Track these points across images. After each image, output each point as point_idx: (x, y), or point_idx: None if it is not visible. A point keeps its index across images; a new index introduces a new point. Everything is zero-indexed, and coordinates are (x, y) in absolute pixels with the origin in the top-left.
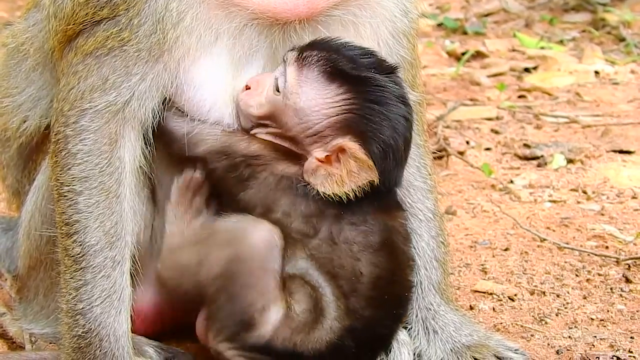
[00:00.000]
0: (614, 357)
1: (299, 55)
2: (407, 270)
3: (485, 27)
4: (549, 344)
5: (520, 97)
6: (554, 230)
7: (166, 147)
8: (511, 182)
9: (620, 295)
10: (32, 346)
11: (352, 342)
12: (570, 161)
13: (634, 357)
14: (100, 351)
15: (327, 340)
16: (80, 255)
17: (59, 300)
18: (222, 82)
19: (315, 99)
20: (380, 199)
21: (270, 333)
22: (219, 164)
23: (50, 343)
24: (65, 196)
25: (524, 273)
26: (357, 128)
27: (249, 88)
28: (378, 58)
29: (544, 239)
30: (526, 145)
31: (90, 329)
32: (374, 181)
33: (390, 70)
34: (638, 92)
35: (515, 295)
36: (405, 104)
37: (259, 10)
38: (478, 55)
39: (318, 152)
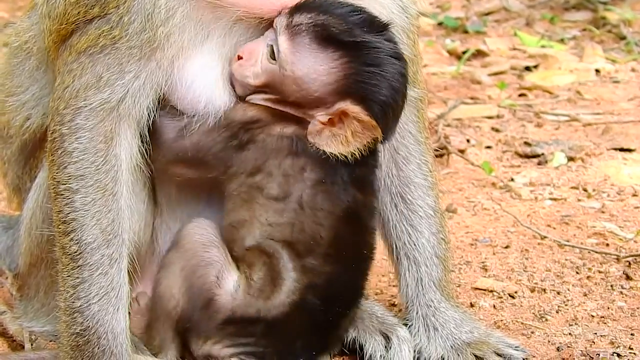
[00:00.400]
0: (615, 354)
1: (289, 21)
2: (367, 235)
3: (486, 25)
4: (549, 341)
5: (520, 95)
6: (554, 228)
7: (158, 145)
8: (512, 180)
9: (621, 293)
10: (31, 345)
11: (317, 299)
12: (570, 159)
13: (634, 354)
14: (98, 349)
15: (289, 301)
16: (77, 253)
17: (57, 298)
18: (214, 79)
19: (313, 67)
20: (359, 175)
21: (231, 302)
22: (214, 142)
23: (50, 341)
24: (61, 194)
25: (524, 270)
26: (357, 91)
27: (241, 58)
28: (369, 15)
29: (545, 237)
30: (527, 144)
31: (88, 326)
32: (377, 138)
33: (382, 28)
34: (639, 90)
35: (516, 292)
36: (400, 59)
37: (245, 10)
38: (479, 54)
39: (321, 116)
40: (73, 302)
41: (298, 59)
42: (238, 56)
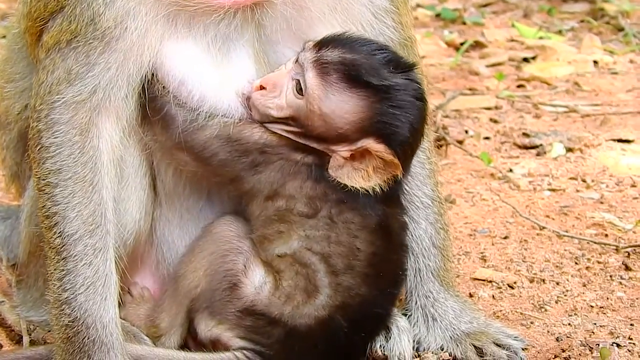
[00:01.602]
0: (614, 344)
1: (317, 56)
2: (401, 252)
3: (484, 17)
4: (548, 331)
5: (519, 86)
6: (553, 219)
7: (164, 135)
8: (510, 170)
9: (620, 283)
10: (29, 335)
11: (344, 321)
12: (569, 150)
13: (633, 344)
14: (88, 339)
15: (316, 315)
16: (61, 245)
17: (47, 292)
18: (205, 73)
19: (340, 105)
20: (384, 194)
21: (254, 294)
22: (224, 150)
23: (49, 331)
24: (43, 190)
25: (523, 261)
26: (381, 130)
27: (264, 88)
28: (394, 55)
29: (544, 227)
30: (525, 135)
31: (77, 317)
32: (398, 174)
33: (407, 68)
34: (637, 81)
35: (515, 283)
36: (422, 100)
37: (204, 3)
38: (477, 45)
39: (343, 152)
40: (60, 294)
41: (326, 96)
42: (260, 86)
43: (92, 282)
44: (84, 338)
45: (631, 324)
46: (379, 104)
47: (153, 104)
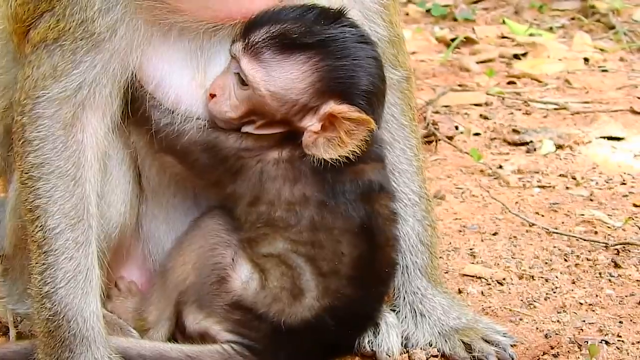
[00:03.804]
0: (603, 342)
1: (245, 44)
2: (388, 249)
3: (475, 13)
4: (537, 328)
5: (509, 83)
6: (542, 216)
7: (146, 137)
8: (500, 167)
9: (609, 280)
10: (16, 328)
11: (332, 320)
12: (559, 147)
13: (622, 341)
14: (69, 333)
15: (303, 316)
16: (42, 239)
17: (29, 286)
18: (185, 76)
19: (285, 78)
20: (365, 187)
21: (241, 289)
22: (203, 156)
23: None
24: (25, 183)
25: (512, 257)
26: (337, 88)
27: (214, 95)
28: (322, 9)
29: (533, 224)
30: (515, 131)
31: (57, 311)
32: (372, 129)
33: (338, 16)
34: (627, 79)
35: (504, 279)
36: (367, 43)
37: (192, 16)
38: (467, 41)
39: (312, 125)
40: (41, 288)
41: (267, 75)
42: (210, 94)
43: (73, 276)
44: (64, 332)
45: (620, 322)
46: (323, 62)
47: (134, 105)
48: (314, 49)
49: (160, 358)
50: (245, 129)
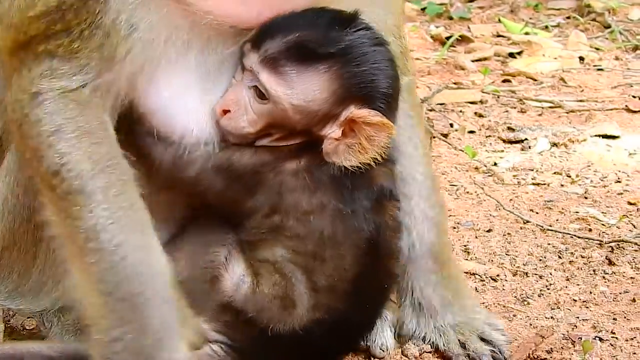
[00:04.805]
0: (596, 338)
1: (261, 55)
2: (390, 263)
3: (470, 12)
4: (531, 324)
5: (504, 81)
6: (537, 213)
7: (150, 170)
8: (495, 164)
9: (603, 277)
10: (8, 322)
11: (323, 332)
12: (554, 145)
13: (616, 338)
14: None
15: (292, 326)
16: (77, 188)
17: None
18: (194, 99)
19: (307, 90)
20: (379, 193)
21: (232, 290)
22: (217, 180)
23: (28, 317)
24: (40, 158)
25: (506, 254)
26: (357, 93)
27: (228, 111)
28: (335, 12)
29: (527, 221)
30: (510, 129)
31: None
32: (392, 133)
33: (353, 18)
34: (622, 78)
35: (498, 275)
36: (382, 44)
37: (222, 19)
38: (463, 39)
39: (332, 132)
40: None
41: (290, 88)
42: (223, 111)
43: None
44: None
45: (614, 318)
46: (343, 69)
47: (133, 137)
48: (334, 58)
49: None
50: (261, 142)
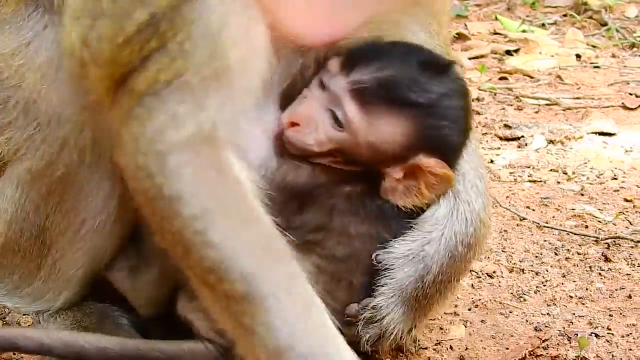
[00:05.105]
0: (592, 334)
1: (350, 83)
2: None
3: (467, 10)
4: (527, 321)
5: (501, 79)
6: (533, 210)
7: None
8: (491, 161)
9: (599, 274)
10: (3, 319)
11: None
12: (550, 142)
13: (612, 334)
14: None
15: None
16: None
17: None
18: (254, 120)
19: (386, 131)
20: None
21: None
22: (268, 198)
23: (24, 314)
24: (193, 241)
25: (503, 251)
26: (430, 143)
27: (296, 124)
28: (427, 55)
29: (524, 218)
30: (507, 126)
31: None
32: (452, 185)
33: (445, 69)
34: (619, 75)
35: (494, 272)
36: (463, 96)
37: (291, 38)
38: (460, 37)
39: (394, 172)
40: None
41: (370, 125)
42: (292, 123)
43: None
44: None
45: (610, 315)
46: (426, 120)
47: None
48: (421, 107)
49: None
50: (320, 160)
